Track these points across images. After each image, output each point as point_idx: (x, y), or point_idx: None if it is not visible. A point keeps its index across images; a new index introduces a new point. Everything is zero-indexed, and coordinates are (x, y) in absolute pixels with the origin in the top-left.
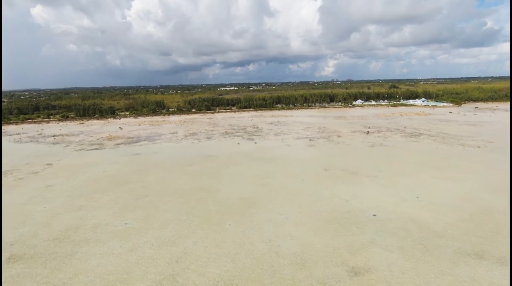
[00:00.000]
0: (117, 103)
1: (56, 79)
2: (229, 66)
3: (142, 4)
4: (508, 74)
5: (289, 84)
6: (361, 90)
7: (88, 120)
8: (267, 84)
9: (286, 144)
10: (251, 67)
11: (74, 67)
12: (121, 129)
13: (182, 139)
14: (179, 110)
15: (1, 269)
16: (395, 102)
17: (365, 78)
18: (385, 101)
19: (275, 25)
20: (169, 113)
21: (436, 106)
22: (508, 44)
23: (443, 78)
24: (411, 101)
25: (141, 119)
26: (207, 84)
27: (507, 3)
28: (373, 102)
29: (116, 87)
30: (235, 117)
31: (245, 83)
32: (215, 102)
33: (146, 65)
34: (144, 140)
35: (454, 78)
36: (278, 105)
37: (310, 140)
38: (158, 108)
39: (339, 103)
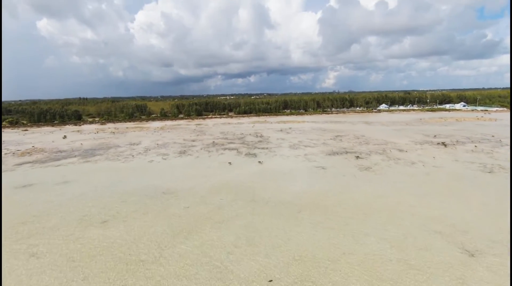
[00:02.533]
0: (90, 108)
1: (59, 89)
2: (230, 77)
3: (145, 17)
4: (508, 86)
5: (291, 94)
6: (379, 95)
7: (40, 126)
8: (269, 94)
9: (315, 164)
10: (252, 79)
11: (77, 78)
12: (65, 138)
13: (139, 155)
14: (163, 116)
15: (1, 268)
16: (430, 107)
17: (366, 90)
18: (413, 105)
19: (275, 37)
20: (149, 119)
21: (487, 110)
22: (508, 56)
23: (445, 89)
24: (448, 106)
25: (109, 125)
26: (208, 95)
27: (507, 15)
28: (401, 107)
29: (118, 97)
30: (232, 124)
31: (246, 94)
32: (208, 107)
33: (148, 76)
34: (76, 156)
35: (456, 89)
36: (286, 110)
37: (358, 157)
38: (137, 113)
39: (359, 108)
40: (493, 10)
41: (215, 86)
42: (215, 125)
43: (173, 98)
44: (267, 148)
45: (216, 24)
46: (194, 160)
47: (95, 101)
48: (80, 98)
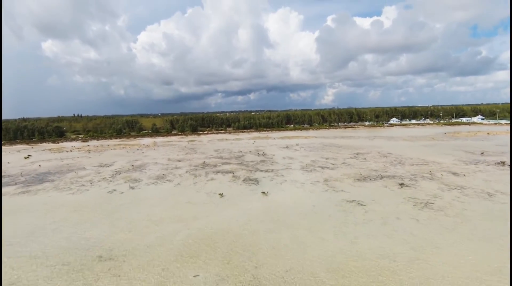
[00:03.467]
0: (77, 124)
1: (62, 108)
2: (230, 95)
3: (147, 38)
4: (505, 101)
5: (292, 111)
6: (388, 109)
7: (13, 144)
8: (269, 111)
9: (345, 196)
10: (252, 96)
11: (79, 97)
12: (27, 158)
13: (101, 182)
14: (155, 132)
15: (1, 268)
16: (446, 121)
17: (365, 106)
18: (425, 119)
19: (274, 55)
20: (139, 135)
21: None
22: (504, 72)
23: (443, 105)
24: (464, 119)
25: (91, 142)
26: (208, 112)
27: (501, 33)
28: (413, 121)
29: (119, 115)
30: (229, 140)
31: (247, 111)
32: (205, 122)
33: (150, 94)
34: (17, 184)
35: (454, 105)
36: (289, 125)
37: (402, 184)
38: (127, 130)
39: (368, 122)
40: (487, 28)
41: (216, 104)
42: (210, 141)
43: (173, 115)
44: (272, 171)
45: (216, 43)
46: (172, 189)
47: (89, 118)
48: (74, 115)
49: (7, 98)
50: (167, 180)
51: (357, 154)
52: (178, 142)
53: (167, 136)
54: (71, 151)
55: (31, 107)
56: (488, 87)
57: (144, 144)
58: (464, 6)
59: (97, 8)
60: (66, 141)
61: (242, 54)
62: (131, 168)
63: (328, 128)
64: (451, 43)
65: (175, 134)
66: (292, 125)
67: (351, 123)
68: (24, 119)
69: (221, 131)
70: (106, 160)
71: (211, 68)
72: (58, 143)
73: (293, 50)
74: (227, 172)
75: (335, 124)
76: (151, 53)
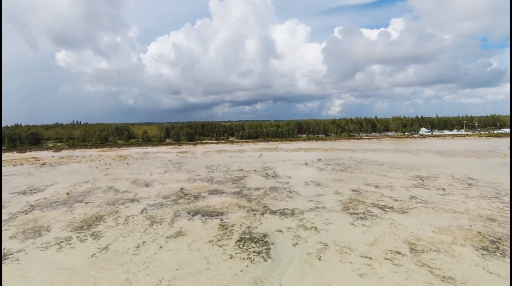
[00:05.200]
0: (62, 131)
1: (72, 115)
2: (237, 104)
3: (157, 48)
4: None
5: (303, 119)
6: (415, 119)
7: None
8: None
9: None
10: (258, 106)
11: (90, 105)
12: None
13: None
14: (146, 140)
15: (1, 267)
16: (490, 132)
17: (373, 117)
18: (460, 130)
19: (281, 66)
20: (127, 144)
21: None
22: None
23: (478, 116)
24: (508, 130)
25: (63, 152)
26: (215, 121)
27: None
28: (446, 131)
29: (128, 123)
30: (229, 152)
31: (253, 120)
32: (205, 130)
33: (158, 104)
34: None
35: (491, 115)
36: (301, 135)
37: None
38: (113, 137)
39: (393, 133)
40: (497, 40)
41: (223, 113)
42: (205, 153)
43: (178, 123)
44: (292, 214)
45: (224, 54)
46: (77, 272)
47: (81, 125)
48: (73, 122)
49: (21, 105)
50: (91, 235)
51: (419, 178)
52: (165, 153)
53: (157, 145)
54: (20, 164)
55: (43, 114)
56: (499, 99)
57: (121, 156)
58: (474, 17)
59: (109, 20)
60: (37, 150)
61: (249, 64)
62: (62, 198)
63: (348, 139)
64: (460, 54)
65: (168, 144)
66: (305, 135)
67: (374, 134)
68: (17, 125)
69: (222, 141)
70: (48, 179)
71: (218, 78)
72: (24, 152)
73: (300, 61)
74: (213, 214)
75: (356, 134)
76: (160, 63)
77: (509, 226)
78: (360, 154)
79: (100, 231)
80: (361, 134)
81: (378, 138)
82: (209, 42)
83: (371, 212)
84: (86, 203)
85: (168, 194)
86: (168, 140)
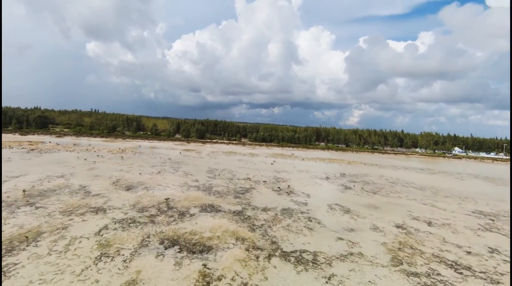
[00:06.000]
0: (72, 116)
1: (97, 104)
2: (254, 107)
3: (181, 46)
4: None
5: (322, 127)
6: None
7: None
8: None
9: None
10: (276, 110)
11: (113, 96)
12: None
13: None
14: (154, 134)
15: (1, 267)
16: None
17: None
18: (498, 154)
19: (301, 71)
20: (134, 136)
21: None
22: None
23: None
24: None
25: (65, 139)
26: (231, 121)
27: None
28: (483, 154)
29: (144, 116)
30: (239, 154)
31: (270, 124)
32: (217, 129)
33: (177, 100)
34: None
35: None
36: (318, 142)
37: None
38: (122, 128)
39: (421, 150)
40: None
41: (240, 114)
42: (211, 154)
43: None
44: (314, 262)
45: (246, 55)
46: None
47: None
48: (91, 110)
49: (49, 90)
50: None
51: (482, 214)
52: (169, 150)
53: (164, 140)
54: (9, 147)
55: (69, 101)
56: None
57: (120, 149)
58: (509, 35)
59: (139, 15)
60: (41, 134)
61: (270, 68)
62: (13, 196)
63: (371, 152)
64: (492, 73)
65: (176, 139)
66: (324, 144)
67: (399, 149)
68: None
69: (234, 142)
70: (21, 169)
71: (238, 79)
72: (26, 135)
73: (322, 68)
74: (195, 249)
75: (380, 147)
76: (183, 60)
77: None
78: (390, 172)
79: (15, 265)
80: (385, 147)
81: (406, 154)
82: (233, 43)
83: (440, 274)
84: (37, 208)
85: (148, 205)
86: (177, 136)
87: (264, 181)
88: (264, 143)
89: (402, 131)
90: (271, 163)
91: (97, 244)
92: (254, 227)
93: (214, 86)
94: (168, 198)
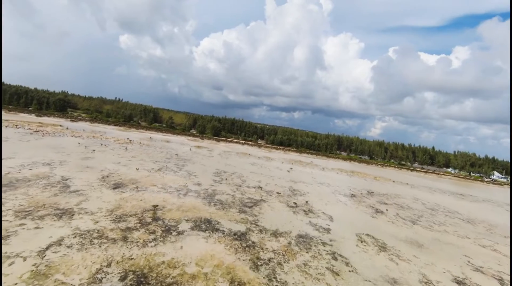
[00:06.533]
0: (93, 102)
1: (123, 94)
2: (275, 109)
3: (209, 44)
4: None
5: (345, 136)
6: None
7: None
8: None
9: None
10: (296, 114)
11: (140, 88)
12: None
13: None
14: (169, 127)
15: (1, 269)
16: None
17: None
18: None
19: (326, 78)
20: (147, 127)
21: None
22: None
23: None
24: None
25: (79, 123)
26: (250, 121)
27: None
28: None
29: (164, 109)
30: (254, 157)
31: (289, 127)
32: (234, 127)
33: (200, 96)
34: None
35: None
36: (340, 152)
37: None
38: (138, 118)
39: (454, 170)
40: None
41: (259, 116)
42: (224, 153)
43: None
44: None
45: (271, 57)
46: None
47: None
48: (115, 98)
49: (82, 77)
50: None
51: None
52: (179, 144)
53: (178, 134)
54: (15, 126)
55: (98, 89)
56: None
57: (128, 139)
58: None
59: (171, 11)
60: (56, 117)
61: (293, 71)
62: None
63: (398, 168)
64: None
65: (190, 134)
66: (346, 153)
67: (429, 167)
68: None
69: (249, 142)
70: (12, 151)
71: (261, 80)
72: (41, 116)
73: (347, 76)
74: None
75: (408, 163)
76: (209, 58)
77: None
78: (425, 194)
79: None
80: (413, 164)
81: (437, 173)
82: (259, 44)
83: None
84: None
85: (129, 212)
86: (192, 131)
87: (278, 193)
88: (281, 147)
89: (433, 148)
90: (288, 171)
91: (30, 272)
92: (259, 263)
93: (236, 85)
94: (157, 206)
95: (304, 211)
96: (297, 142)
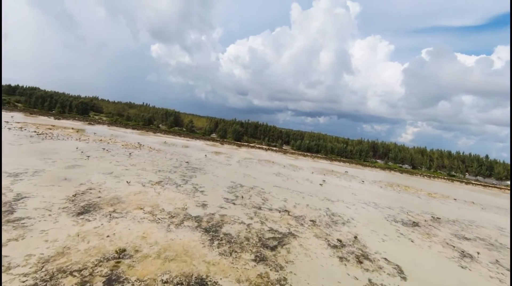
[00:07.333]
0: (115, 107)
1: (154, 101)
2: (300, 114)
3: (235, 50)
4: None
5: (380, 142)
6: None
7: (11, 110)
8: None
9: None
10: (321, 119)
11: (168, 94)
12: None
13: None
14: (189, 131)
15: (1, 271)
16: None
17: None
18: None
19: (353, 82)
20: (166, 131)
21: None
22: None
23: None
24: None
25: (92, 127)
26: (274, 125)
27: None
28: None
29: (189, 114)
30: (278, 165)
31: (316, 132)
32: (257, 132)
33: (225, 101)
34: None
35: None
36: (375, 159)
37: None
38: (157, 122)
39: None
40: None
41: (284, 121)
42: (244, 160)
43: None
44: None
45: (296, 62)
46: None
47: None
48: (143, 103)
49: (117, 84)
50: None
51: None
52: (195, 150)
53: (198, 139)
54: (20, 129)
55: (131, 95)
56: None
57: (138, 143)
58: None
59: (199, 20)
60: (74, 120)
61: (319, 76)
62: None
63: (450, 180)
64: None
65: (210, 139)
66: (382, 162)
67: (490, 180)
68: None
69: (273, 148)
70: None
71: (285, 85)
72: (59, 119)
73: (375, 79)
74: None
75: (459, 175)
76: (234, 64)
77: None
78: (505, 220)
79: None
80: (466, 175)
81: (498, 187)
82: (284, 49)
83: None
84: None
85: (72, 265)
86: (213, 135)
87: (313, 221)
88: (308, 154)
89: (487, 156)
90: (320, 184)
91: None
92: None
93: (261, 90)
94: (125, 250)
95: (356, 256)
96: (326, 148)
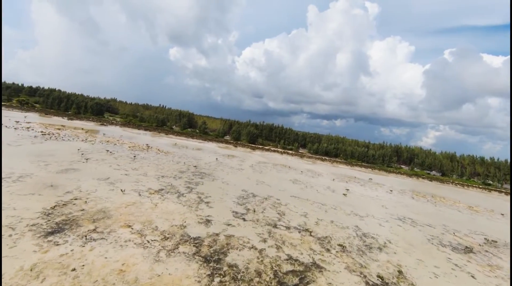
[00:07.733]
0: (132, 109)
1: (172, 103)
2: (315, 117)
3: (250, 53)
4: None
5: (404, 146)
6: None
7: (27, 111)
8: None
9: None
10: (338, 122)
11: (185, 96)
12: None
13: None
14: (202, 133)
15: (1, 272)
16: None
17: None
18: None
19: (371, 84)
20: (179, 132)
21: None
22: None
23: None
24: None
25: (109, 127)
26: (290, 127)
27: None
28: None
29: (211, 116)
30: (294, 170)
31: (333, 135)
32: (272, 134)
33: (240, 104)
34: None
35: None
36: (399, 165)
37: None
38: (170, 123)
39: None
40: None
41: (299, 123)
42: (257, 164)
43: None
44: None
45: (312, 64)
46: None
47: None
48: (160, 105)
49: (136, 87)
50: None
51: None
52: (206, 152)
53: (210, 141)
54: (26, 129)
55: (149, 97)
56: None
57: (146, 145)
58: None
59: (215, 24)
60: (88, 120)
61: (336, 78)
62: None
63: (485, 189)
64: None
65: (224, 141)
66: (408, 167)
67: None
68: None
69: (289, 151)
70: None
71: (301, 88)
72: (72, 120)
73: (395, 81)
74: None
75: (496, 183)
76: (250, 67)
77: None
78: None
79: None
80: (498, 182)
81: None
82: (300, 52)
83: None
84: None
85: None
86: (226, 137)
87: (341, 246)
88: (327, 157)
89: None
90: (344, 194)
91: None
92: None
93: (277, 93)
94: None
95: None
96: (346, 152)
